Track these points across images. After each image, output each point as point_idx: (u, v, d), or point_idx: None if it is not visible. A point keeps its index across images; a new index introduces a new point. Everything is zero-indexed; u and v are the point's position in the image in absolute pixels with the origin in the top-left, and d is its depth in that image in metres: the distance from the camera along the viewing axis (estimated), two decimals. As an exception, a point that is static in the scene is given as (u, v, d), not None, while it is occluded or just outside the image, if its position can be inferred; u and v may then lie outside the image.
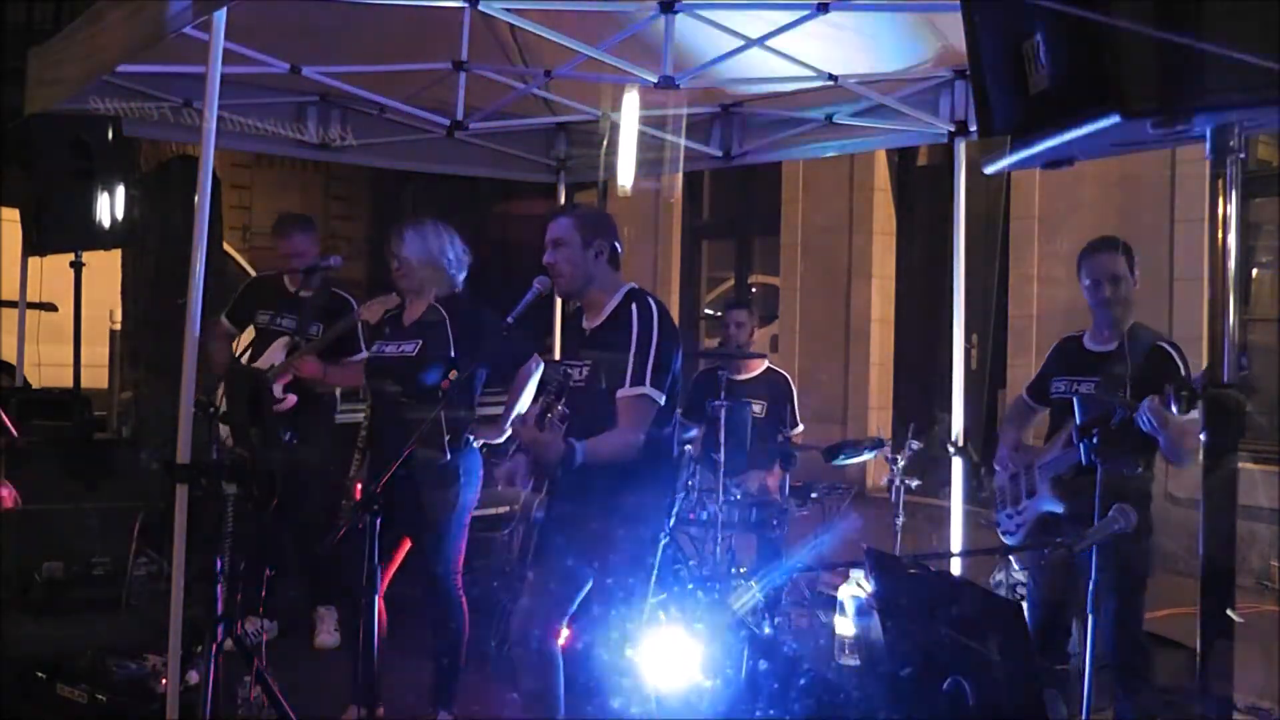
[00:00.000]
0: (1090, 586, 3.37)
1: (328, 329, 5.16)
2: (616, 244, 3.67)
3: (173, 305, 6.64)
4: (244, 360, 5.46)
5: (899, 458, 5.41)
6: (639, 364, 3.47)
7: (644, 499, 3.54)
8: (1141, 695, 3.95)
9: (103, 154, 6.36)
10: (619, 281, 3.69)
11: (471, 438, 4.29)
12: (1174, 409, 3.64)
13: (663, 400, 3.51)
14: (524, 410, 4.19)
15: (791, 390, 6.10)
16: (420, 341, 4.31)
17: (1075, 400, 3.96)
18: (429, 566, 4.29)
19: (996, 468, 4.37)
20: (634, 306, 3.56)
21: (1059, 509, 4.04)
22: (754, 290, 11.63)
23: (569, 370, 3.57)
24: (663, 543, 3.74)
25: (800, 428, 6.07)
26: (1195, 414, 3.75)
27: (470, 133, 6.40)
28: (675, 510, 4.76)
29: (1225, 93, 2.07)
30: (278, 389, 5.17)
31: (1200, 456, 3.81)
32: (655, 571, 3.70)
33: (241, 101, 5.92)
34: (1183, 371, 3.87)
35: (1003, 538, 4.29)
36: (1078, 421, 3.95)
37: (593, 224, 3.65)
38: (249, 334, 5.71)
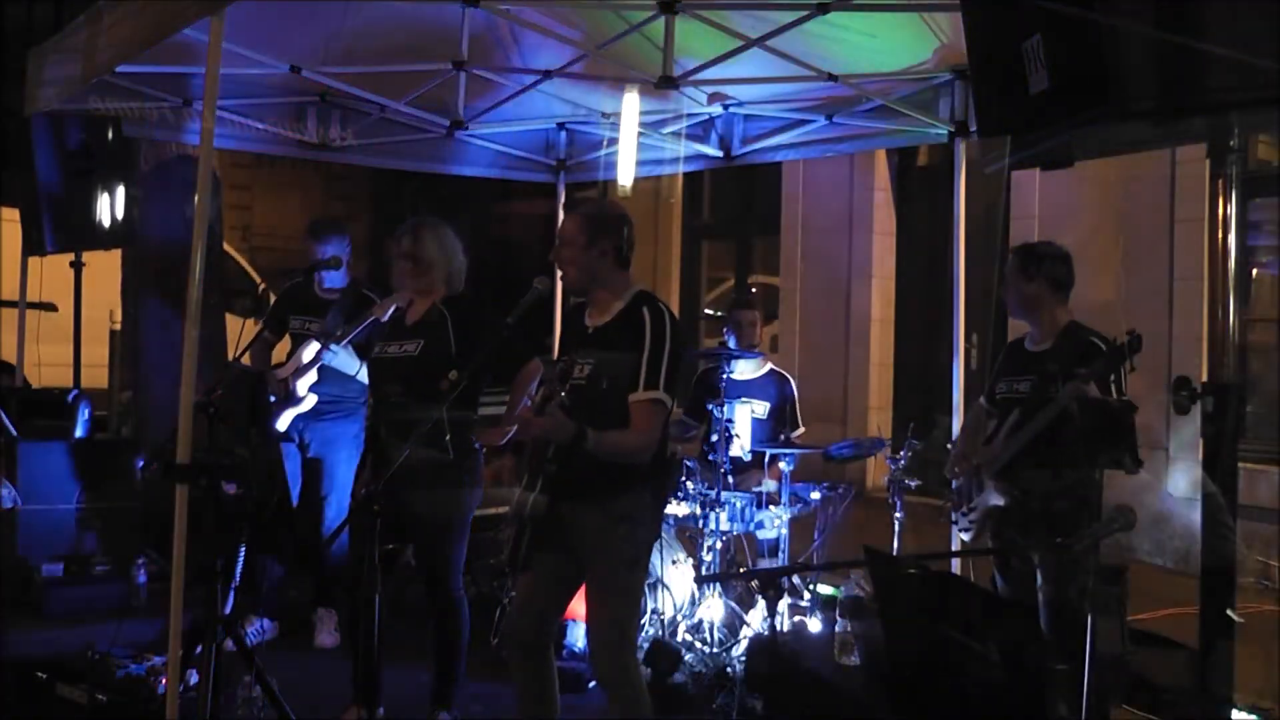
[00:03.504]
0: (1083, 585, 3.37)
1: (351, 325, 5.17)
2: (623, 244, 3.64)
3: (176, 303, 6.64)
4: (253, 359, 5.48)
5: (899, 458, 5.41)
6: (653, 368, 3.46)
7: (638, 499, 3.54)
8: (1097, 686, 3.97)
9: (103, 154, 6.37)
10: (627, 281, 3.67)
11: (474, 438, 4.29)
12: (1090, 385, 3.76)
13: (671, 404, 3.52)
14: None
15: (793, 391, 6.09)
16: (422, 341, 4.31)
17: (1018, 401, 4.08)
18: (431, 567, 4.29)
19: (948, 473, 4.48)
20: (646, 310, 3.54)
21: (1002, 502, 4.16)
22: (754, 290, 11.62)
23: (572, 363, 3.56)
24: (657, 543, 3.73)
25: (802, 429, 6.07)
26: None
27: (470, 133, 6.40)
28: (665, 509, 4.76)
29: (1225, 93, 2.08)
30: (301, 388, 5.18)
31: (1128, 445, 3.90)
32: (649, 571, 3.70)
33: (241, 101, 5.92)
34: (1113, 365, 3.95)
35: (961, 536, 4.39)
36: (1019, 420, 4.05)
37: (598, 223, 3.63)
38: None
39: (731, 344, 5.90)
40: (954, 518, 4.44)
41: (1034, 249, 4.35)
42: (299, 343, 5.39)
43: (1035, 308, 4.27)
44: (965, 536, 4.36)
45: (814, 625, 5.24)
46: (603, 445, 3.39)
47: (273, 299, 6.44)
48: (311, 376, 5.21)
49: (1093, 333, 4.11)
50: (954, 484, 4.46)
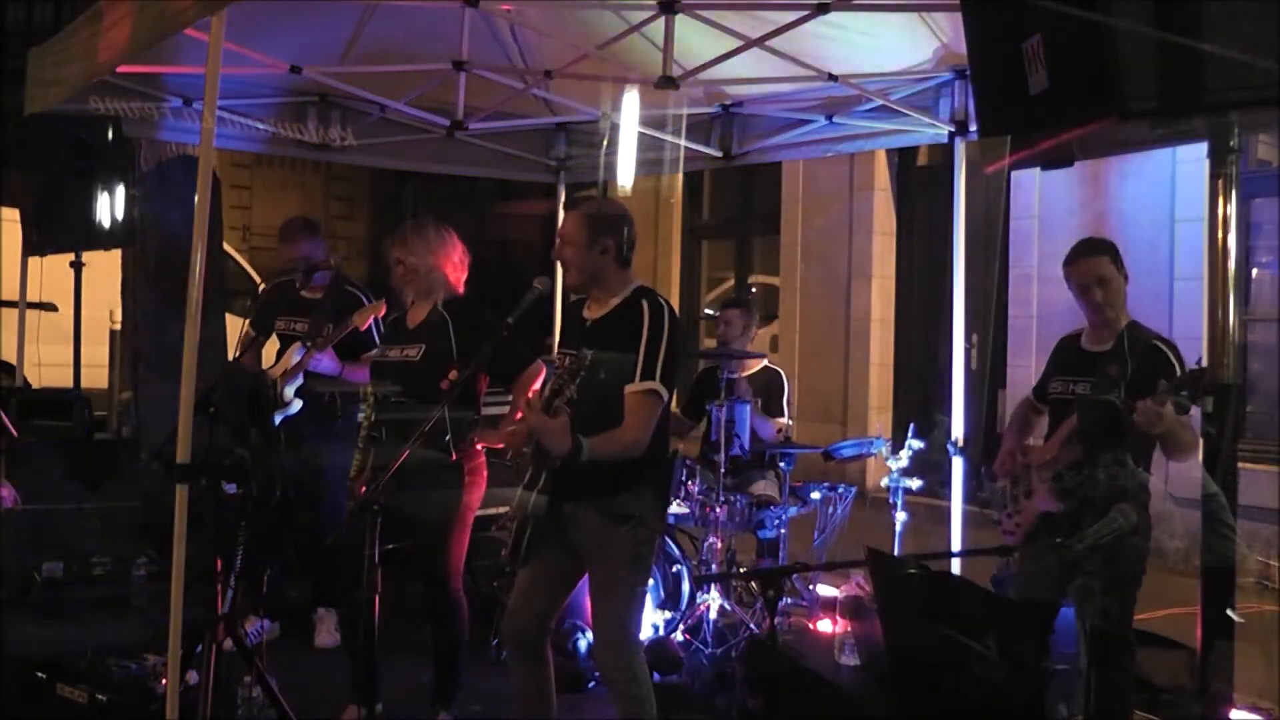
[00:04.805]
0: (1084, 585, 3.36)
1: (336, 329, 5.18)
2: (624, 242, 3.65)
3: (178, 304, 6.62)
4: (244, 359, 5.48)
5: (899, 458, 5.41)
6: (649, 359, 3.46)
7: (639, 497, 3.54)
8: (1123, 694, 3.95)
9: (103, 154, 6.37)
10: (628, 278, 3.68)
11: (475, 439, 4.29)
12: (1167, 406, 3.70)
13: (668, 397, 3.52)
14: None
15: (784, 384, 6.08)
16: (423, 346, 4.31)
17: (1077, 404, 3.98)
18: (431, 567, 4.29)
19: (996, 471, 4.37)
20: (644, 303, 3.55)
21: (1055, 509, 4.04)
22: (754, 290, 11.63)
23: (583, 357, 3.55)
24: (657, 541, 3.73)
25: (788, 420, 6.02)
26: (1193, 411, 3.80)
27: (470, 133, 6.40)
28: (668, 508, 4.75)
29: (1225, 93, 2.08)
30: (287, 392, 5.17)
31: (1199, 453, 3.83)
32: (650, 570, 3.70)
33: (241, 101, 5.92)
34: (1178, 370, 3.87)
35: (1003, 538, 4.29)
36: (1077, 424, 3.95)
37: (599, 222, 3.64)
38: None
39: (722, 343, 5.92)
40: (997, 519, 4.34)
41: (1109, 244, 4.14)
42: (287, 344, 5.39)
43: (1113, 304, 4.06)
44: (1008, 540, 4.25)
45: (814, 625, 5.25)
46: (597, 453, 3.38)
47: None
48: (298, 379, 5.21)
49: (1155, 335, 4.01)
50: (995, 484, 4.33)
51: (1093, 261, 4.09)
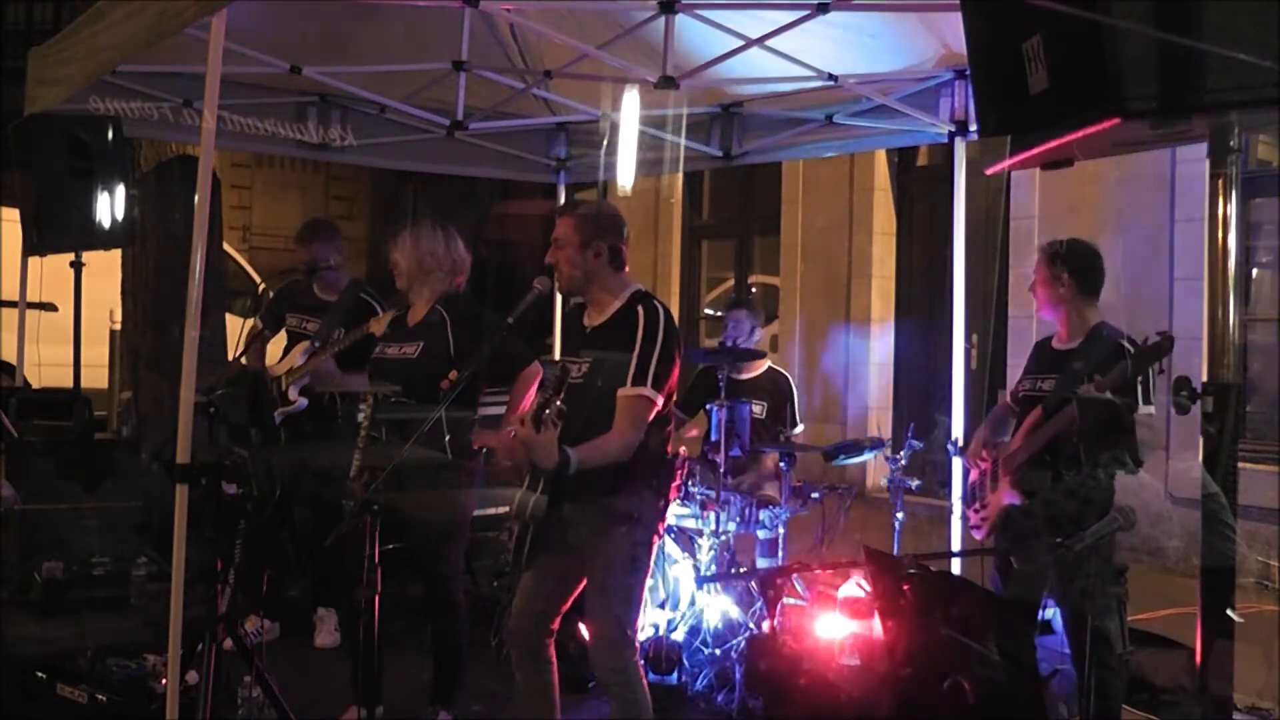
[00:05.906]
0: (1085, 585, 3.37)
1: (350, 334, 5.17)
2: (619, 244, 3.65)
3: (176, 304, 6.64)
4: (247, 356, 5.48)
5: (899, 458, 5.41)
6: (642, 365, 3.47)
7: (638, 498, 3.54)
8: (1117, 690, 3.97)
9: (103, 154, 6.36)
10: (625, 281, 3.68)
11: (472, 439, 4.29)
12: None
13: (660, 402, 3.52)
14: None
15: (792, 390, 6.10)
16: (421, 343, 4.33)
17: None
18: (430, 567, 4.29)
19: (966, 463, 4.46)
20: (640, 309, 3.55)
21: (1018, 502, 4.10)
22: (754, 290, 11.63)
23: (568, 366, 3.57)
24: (657, 542, 3.73)
25: (800, 428, 6.07)
26: (1149, 409, 3.87)
27: (470, 133, 6.40)
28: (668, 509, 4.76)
29: (1225, 93, 2.08)
30: (292, 391, 5.18)
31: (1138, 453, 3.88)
32: (649, 571, 3.70)
33: (241, 101, 5.92)
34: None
35: (971, 533, 4.36)
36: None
37: (592, 224, 3.64)
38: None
39: (729, 344, 5.91)
40: (964, 514, 4.41)
41: (1060, 247, 4.25)
42: (295, 341, 5.40)
43: (1062, 307, 4.21)
44: (976, 535, 4.32)
45: (814, 625, 5.24)
46: (586, 463, 3.38)
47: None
48: (304, 379, 5.22)
49: (1122, 335, 4.05)
50: (967, 479, 4.43)
51: (1036, 262, 4.25)
